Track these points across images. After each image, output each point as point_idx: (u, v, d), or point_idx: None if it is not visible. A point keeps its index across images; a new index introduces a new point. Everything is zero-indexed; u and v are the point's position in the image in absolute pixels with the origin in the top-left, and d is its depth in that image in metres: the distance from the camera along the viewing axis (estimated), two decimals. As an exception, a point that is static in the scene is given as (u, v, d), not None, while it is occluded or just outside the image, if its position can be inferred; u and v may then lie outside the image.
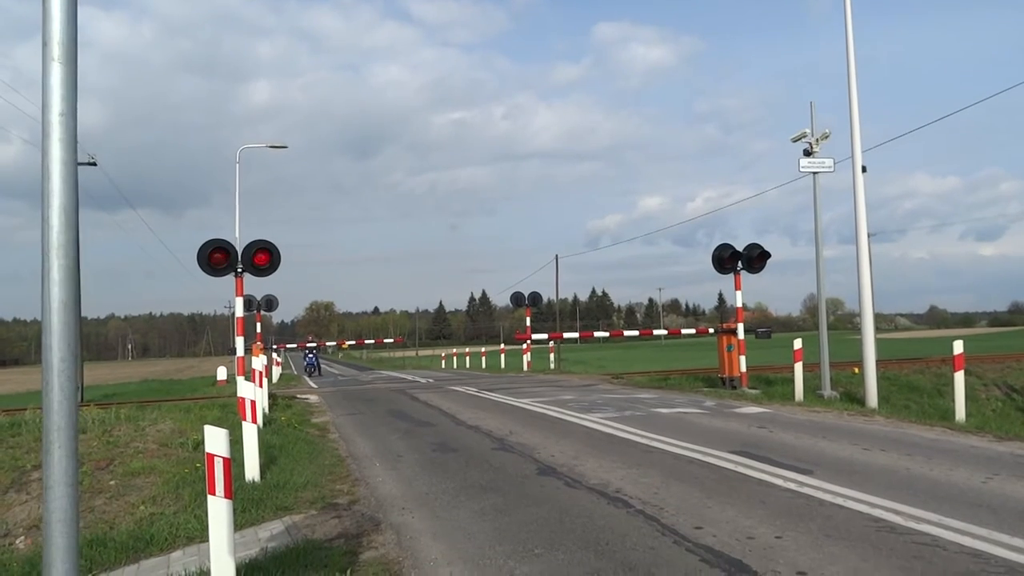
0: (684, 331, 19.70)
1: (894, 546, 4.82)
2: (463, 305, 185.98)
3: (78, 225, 2.11)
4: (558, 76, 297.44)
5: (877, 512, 5.62)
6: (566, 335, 25.74)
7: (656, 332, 19.64)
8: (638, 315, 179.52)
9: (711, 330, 17.85)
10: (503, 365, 34.24)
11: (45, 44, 2.03)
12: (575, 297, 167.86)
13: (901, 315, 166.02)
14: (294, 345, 35.27)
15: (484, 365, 38.71)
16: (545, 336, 26.01)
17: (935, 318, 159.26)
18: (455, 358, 44.04)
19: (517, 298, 31.73)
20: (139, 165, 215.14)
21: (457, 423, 12.02)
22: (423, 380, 25.18)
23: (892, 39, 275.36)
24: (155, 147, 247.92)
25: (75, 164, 2.08)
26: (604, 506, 6.14)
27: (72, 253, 2.07)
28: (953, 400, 11.69)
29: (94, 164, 28.07)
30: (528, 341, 30.13)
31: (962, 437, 9.26)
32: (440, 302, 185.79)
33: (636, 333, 23.23)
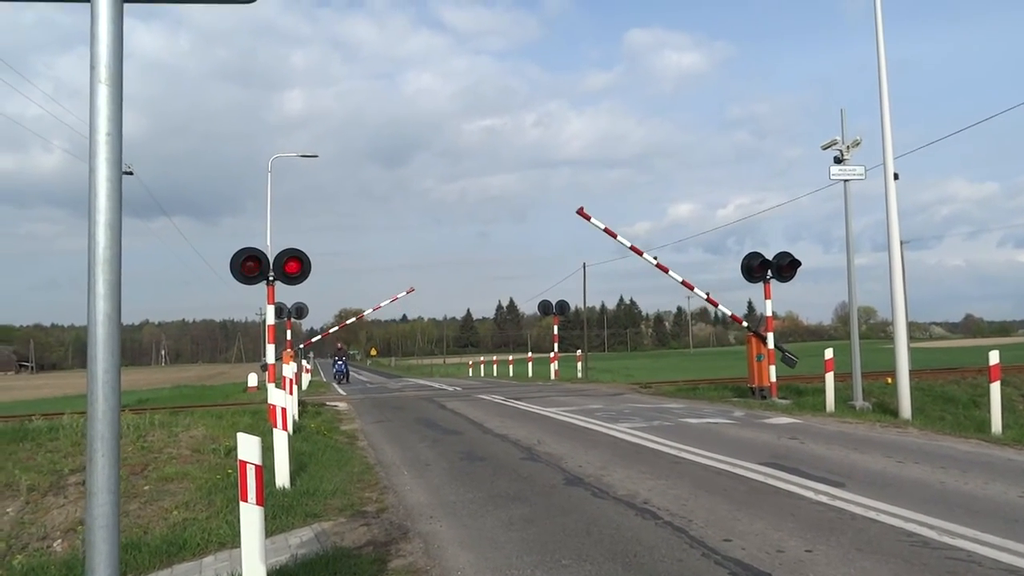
0: (721, 307, 18.22)
1: (928, 561, 4.75)
2: (491, 313, 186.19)
3: (121, 240, 2.18)
4: (590, 83, 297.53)
5: (911, 526, 5.53)
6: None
7: (697, 290, 17.95)
8: (666, 323, 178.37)
9: (745, 324, 17.48)
10: (530, 374, 34.23)
11: (93, 68, 2.12)
12: (603, 305, 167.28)
13: (936, 324, 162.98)
14: (318, 337, 35.83)
15: (511, 373, 38.71)
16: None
17: (971, 327, 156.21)
18: (482, 366, 44.10)
19: (545, 306, 31.78)
20: (175, 173, 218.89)
21: (484, 432, 12.05)
22: (450, 388, 25.26)
23: (928, 42, 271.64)
24: (191, 156, 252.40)
25: (120, 182, 2.16)
26: (632, 517, 6.12)
27: (116, 267, 2.15)
28: (989, 412, 11.46)
29: (130, 173, 28.63)
30: (555, 347, 30.04)
31: (999, 450, 9.08)
32: (468, 310, 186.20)
33: (679, 278, 18.77)
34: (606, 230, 17.64)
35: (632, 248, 17.62)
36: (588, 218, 17.71)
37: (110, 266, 2.13)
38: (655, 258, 17.47)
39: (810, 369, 22.65)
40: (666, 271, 17.55)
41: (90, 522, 2.10)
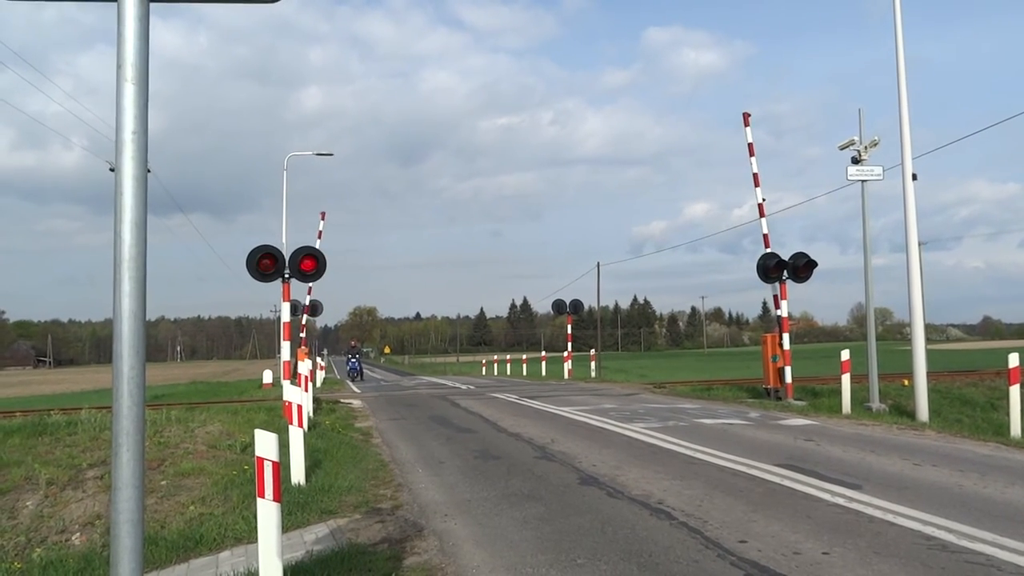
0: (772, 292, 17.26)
1: (946, 565, 4.71)
2: (504, 312, 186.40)
3: (147, 239, 2.21)
4: (607, 81, 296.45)
5: (929, 529, 5.49)
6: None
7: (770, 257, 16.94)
8: (680, 323, 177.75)
9: (777, 313, 17.12)
10: (544, 373, 34.22)
11: (119, 67, 2.14)
12: (616, 305, 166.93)
13: (953, 326, 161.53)
14: (302, 311, 35.59)
15: (525, 372, 38.72)
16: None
17: (989, 329, 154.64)
18: (496, 365, 44.13)
19: (558, 305, 31.77)
20: (193, 171, 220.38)
21: (499, 430, 12.06)
22: (464, 387, 25.30)
23: (949, 41, 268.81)
24: (208, 153, 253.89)
25: (145, 180, 2.18)
26: (647, 517, 6.11)
27: (142, 266, 2.17)
28: (1008, 414, 11.34)
29: (148, 171, 28.89)
30: (569, 346, 30.00)
31: (1018, 453, 8.99)
32: (481, 308, 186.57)
33: (765, 230, 15.84)
34: (750, 145, 17.41)
35: (754, 176, 17.39)
36: (748, 124, 17.48)
37: (136, 264, 2.15)
38: (763, 199, 17.30)
39: (826, 370, 22.51)
40: (763, 215, 17.19)
41: (115, 517, 2.13)
